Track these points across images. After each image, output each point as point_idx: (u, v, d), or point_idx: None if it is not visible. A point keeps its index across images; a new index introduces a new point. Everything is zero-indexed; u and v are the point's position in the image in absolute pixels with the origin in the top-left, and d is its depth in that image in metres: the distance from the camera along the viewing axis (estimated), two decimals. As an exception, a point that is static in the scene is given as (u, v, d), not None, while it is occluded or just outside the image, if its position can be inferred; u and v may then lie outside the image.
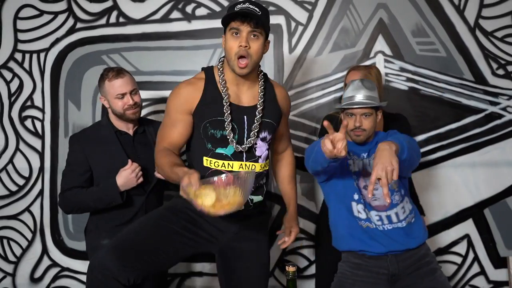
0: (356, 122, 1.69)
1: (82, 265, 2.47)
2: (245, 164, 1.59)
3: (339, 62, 2.41)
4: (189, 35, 2.45)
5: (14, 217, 2.52)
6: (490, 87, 2.37)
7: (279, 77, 2.42)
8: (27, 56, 2.50)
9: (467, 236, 2.40)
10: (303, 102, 2.43)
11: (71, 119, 2.49)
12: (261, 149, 1.63)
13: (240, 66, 1.53)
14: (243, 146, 1.58)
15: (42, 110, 2.50)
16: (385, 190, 1.39)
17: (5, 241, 2.54)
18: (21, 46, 2.50)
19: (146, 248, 1.51)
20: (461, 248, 2.41)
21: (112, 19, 2.47)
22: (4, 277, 2.54)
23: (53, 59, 2.49)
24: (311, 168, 1.72)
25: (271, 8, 2.41)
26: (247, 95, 1.64)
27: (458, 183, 2.39)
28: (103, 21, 2.47)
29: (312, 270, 2.41)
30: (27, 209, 2.51)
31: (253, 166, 1.61)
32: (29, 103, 2.50)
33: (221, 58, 1.65)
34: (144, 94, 2.44)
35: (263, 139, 1.63)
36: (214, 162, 1.57)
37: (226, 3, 2.44)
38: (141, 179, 1.88)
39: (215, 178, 1.35)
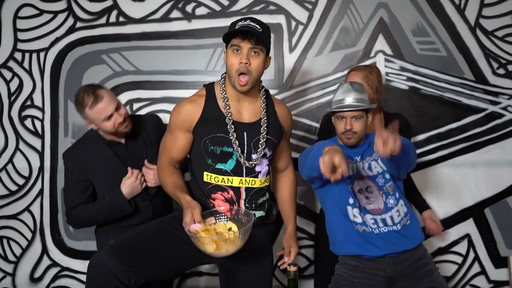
0: (346, 125, 1.70)
1: (82, 265, 2.48)
2: (245, 180, 1.62)
3: (339, 61, 2.41)
4: (189, 35, 2.44)
5: (14, 216, 2.52)
6: (490, 86, 2.37)
7: (279, 77, 2.42)
8: (27, 55, 2.49)
9: (467, 236, 2.40)
10: (303, 101, 2.43)
11: (71, 119, 2.48)
12: (261, 165, 1.66)
13: (240, 83, 1.55)
14: (250, 162, 1.61)
15: (42, 110, 2.49)
16: (383, 146, 1.41)
17: (5, 240, 2.53)
18: (21, 46, 2.50)
19: (148, 248, 1.52)
20: (462, 247, 2.41)
21: (112, 19, 2.47)
22: (4, 277, 2.54)
23: (53, 59, 2.48)
24: (306, 175, 1.73)
25: (271, 7, 2.41)
26: (248, 111, 1.66)
27: (458, 182, 2.39)
28: (103, 20, 2.47)
29: (312, 270, 2.41)
30: (27, 208, 2.51)
31: (253, 181, 1.63)
32: (29, 102, 2.50)
33: (223, 74, 1.67)
34: (144, 93, 2.44)
35: (263, 155, 1.65)
36: (214, 177, 1.62)
37: (226, 3, 2.43)
38: (145, 184, 1.89)
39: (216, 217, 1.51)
